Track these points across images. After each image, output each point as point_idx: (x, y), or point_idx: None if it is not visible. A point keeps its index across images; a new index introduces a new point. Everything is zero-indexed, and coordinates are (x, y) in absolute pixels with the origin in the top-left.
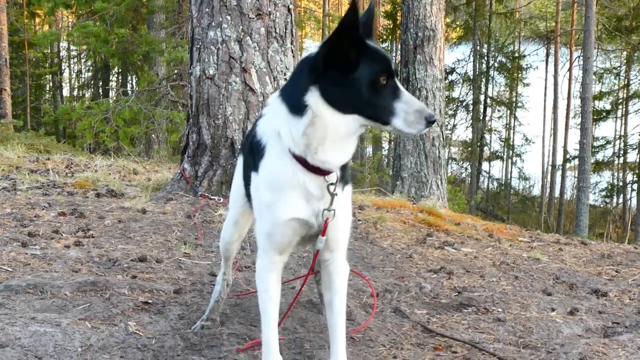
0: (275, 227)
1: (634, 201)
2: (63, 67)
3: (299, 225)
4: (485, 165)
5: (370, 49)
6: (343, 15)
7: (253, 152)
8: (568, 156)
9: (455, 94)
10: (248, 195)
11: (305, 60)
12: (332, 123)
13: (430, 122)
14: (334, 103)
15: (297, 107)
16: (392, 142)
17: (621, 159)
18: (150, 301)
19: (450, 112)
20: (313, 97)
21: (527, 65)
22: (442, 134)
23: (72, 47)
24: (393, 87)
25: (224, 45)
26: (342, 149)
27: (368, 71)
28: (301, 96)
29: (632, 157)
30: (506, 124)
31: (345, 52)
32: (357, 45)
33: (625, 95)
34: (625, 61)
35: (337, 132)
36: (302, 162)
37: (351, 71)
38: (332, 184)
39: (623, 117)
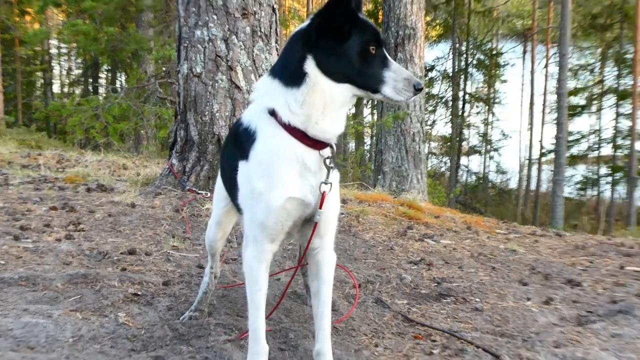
0: (269, 212)
1: (608, 194)
2: (53, 65)
3: (294, 208)
4: (463, 160)
5: (361, 21)
6: None
7: (240, 141)
8: (544, 150)
9: (434, 91)
10: (230, 189)
11: (297, 33)
12: (330, 91)
13: (418, 89)
14: (327, 72)
15: (294, 77)
16: (374, 137)
17: (595, 153)
18: (139, 293)
19: (430, 108)
20: (310, 65)
21: (504, 62)
22: (422, 129)
23: (62, 45)
24: (382, 57)
25: (211, 44)
26: (338, 119)
27: (358, 41)
28: (299, 65)
29: (606, 151)
30: (484, 120)
31: (338, 24)
32: (349, 17)
33: (599, 91)
34: (599, 58)
35: (334, 101)
36: (300, 135)
37: (343, 41)
38: (328, 157)
39: (598, 112)
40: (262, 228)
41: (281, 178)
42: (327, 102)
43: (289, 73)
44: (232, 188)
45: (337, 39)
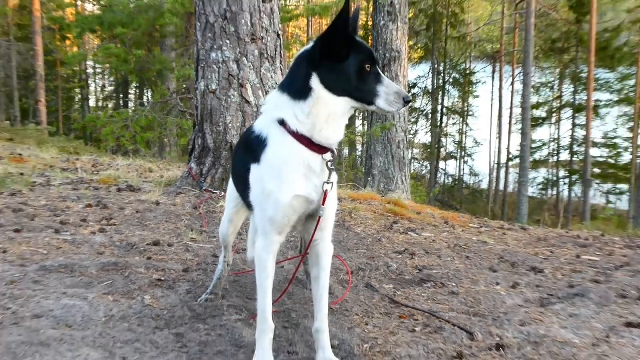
0: (278, 208)
1: (566, 193)
2: (89, 82)
3: (299, 204)
4: (442, 164)
5: (357, 43)
6: (337, 15)
7: (252, 147)
8: (510, 156)
9: (417, 105)
10: (242, 190)
11: (303, 54)
12: (332, 104)
13: (407, 101)
14: (330, 87)
15: (301, 92)
16: (365, 145)
17: (555, 158)
18: (162, 278)
19: (412, 120)
20: (315, 82)
21: (476, 80)
22: (406, 138)
23: (97, 66)
24: (376, 74)
25: (224, 64)
26: (339, 128)
27: (355, 61)
28: (305, 82)
29: (564, 156)
30: (459, 130)
31: (338, 46)
32: (347, 40)
33: (558, 105)
34: (558, 77)
35: (335, 112)
36: (306, 142)
37: (342, 61)
38: (330, 160)
39: (557, 123)
40: (272, 222)
41: (289, 179)
42: (330, 113)
43: (297, 88)
44: (244, 188)
45: (338, 59)
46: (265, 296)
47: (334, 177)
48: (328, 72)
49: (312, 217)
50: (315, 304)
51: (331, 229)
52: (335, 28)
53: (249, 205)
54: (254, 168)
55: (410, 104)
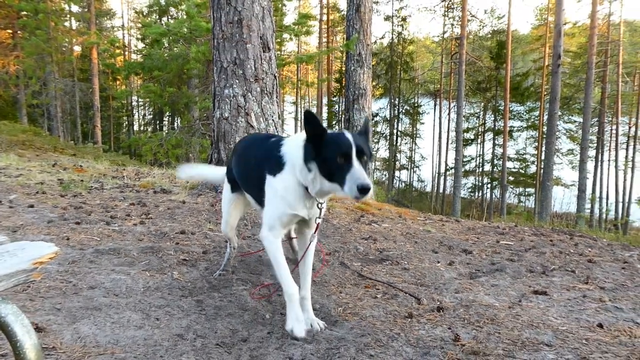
0: (284, 214)
1: (488, 195)
2: (134, 112)
3: (297, 217)
4: (397, 173)
5: (332, 143)
6: (308, 129)
7: (270, 160)
8: (447, 167)
9: (378, 129)
10: (257, 193)
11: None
12: (325, 185)
13: (361, 189)
14: (322, 174)
15: (308, 164)
16: None
17: (480, 169)
18: (187, 259)
19: (375, 141)
20: (314, 167)
21: (422, 111)
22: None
23: (139, 99)
24: (348, 165)
25: (234, 98)
26: (325, 196)
27: (333, 156)
28: (308, 162)
29: (486, 167)
30: (410, 147)
31: (315, 147)
32: (320, 143)
33: (482, 130)
34: (482, 109)
35: (323, 188)
36: (305, 188)
37: (322, 157)
38: (320, 202)
39: (481, 143)
40: (279, 221)
41: (292, 203)
42: (321, 188)
43: (307, 161)
44: (259, 191)
45: (318, 155)
46: (281, 268)
47: (323, 211)
48: (319, 162)
49: (305, 222)
50: (301, 276)
51: (318, 227)
52: (309, 139)
53: (261, 203)
54: (269, 178)
55: (366, 194)
